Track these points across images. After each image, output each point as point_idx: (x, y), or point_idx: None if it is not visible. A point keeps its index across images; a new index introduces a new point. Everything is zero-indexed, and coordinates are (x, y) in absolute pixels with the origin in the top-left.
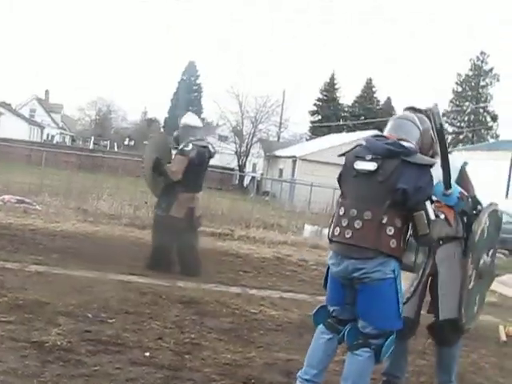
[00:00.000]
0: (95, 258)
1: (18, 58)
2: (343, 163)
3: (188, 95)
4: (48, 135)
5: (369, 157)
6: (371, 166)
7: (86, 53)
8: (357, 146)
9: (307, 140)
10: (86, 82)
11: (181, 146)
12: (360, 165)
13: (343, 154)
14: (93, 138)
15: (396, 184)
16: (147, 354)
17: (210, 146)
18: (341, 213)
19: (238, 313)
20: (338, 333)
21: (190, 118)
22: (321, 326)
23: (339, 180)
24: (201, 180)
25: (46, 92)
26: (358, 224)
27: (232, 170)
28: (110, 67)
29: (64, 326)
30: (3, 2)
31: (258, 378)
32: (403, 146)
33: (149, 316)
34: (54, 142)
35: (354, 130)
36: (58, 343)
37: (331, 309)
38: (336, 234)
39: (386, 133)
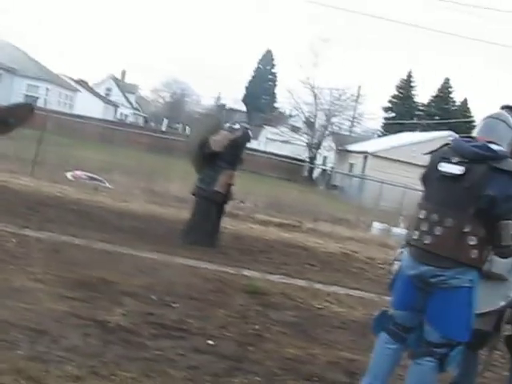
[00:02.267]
0: (161, 240)
1: (98, 36)
2: (428, 163)
3: (263, 84)
4: (121, 115)
5: (455, 159)
6: (457, 169)
7: (164, 35)
8: (443, 145)
9: (379, 136)
10: (161, 64)
11: (228, 124)
12: (445, 167)
13: (430, 153)
14: (166, 120)
15: (483, 191)
16: (210, 342)
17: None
18: (421, 216)
19: (303, 307)
20: (402, 341)
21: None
22: (384, 335)
23: (422, 180)
24: (240, 160)
25: (123, 72)
26: (438, 231)
27: (302, 161)
28: (187, 50)
29: (128, 306)
30: None
31: (321, 376)
32: (491, 150)
33: (213, 303)
34: (127, 121)
35: (428, 130)
36: (121, 324)
37: (396, 314)
38: (414, 238)
39: (475, 134)
